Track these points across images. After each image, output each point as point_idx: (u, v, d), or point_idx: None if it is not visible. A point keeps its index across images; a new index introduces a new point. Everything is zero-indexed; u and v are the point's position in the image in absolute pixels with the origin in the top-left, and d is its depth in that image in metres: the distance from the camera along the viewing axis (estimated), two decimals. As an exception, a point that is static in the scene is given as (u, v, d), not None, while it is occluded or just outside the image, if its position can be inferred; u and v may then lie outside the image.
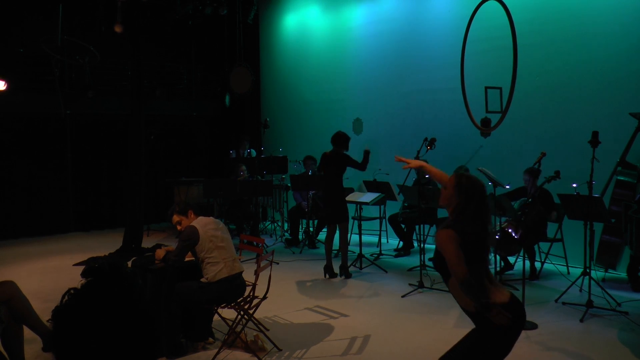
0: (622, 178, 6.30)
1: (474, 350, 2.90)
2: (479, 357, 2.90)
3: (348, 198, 7.07)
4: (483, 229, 2.93)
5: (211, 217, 4.68)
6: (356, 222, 7.47)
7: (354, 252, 7.33)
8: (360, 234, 7.37)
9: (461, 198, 2.93)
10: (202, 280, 4.41)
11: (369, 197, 7.06)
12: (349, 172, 6.98)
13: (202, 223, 4.52)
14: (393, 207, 8.40)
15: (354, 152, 9.49)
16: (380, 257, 7.80)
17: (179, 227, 4.64)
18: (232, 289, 4.46)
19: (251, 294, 4.58)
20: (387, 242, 8.74)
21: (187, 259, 4.65)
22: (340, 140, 6.87)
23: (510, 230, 6.27)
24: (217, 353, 4.34)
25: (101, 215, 10.44)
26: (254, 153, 9.89)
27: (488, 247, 3.04)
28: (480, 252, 2.92)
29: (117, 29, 7.88)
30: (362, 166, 6.94)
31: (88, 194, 10.36)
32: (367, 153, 7.00)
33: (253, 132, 10.94)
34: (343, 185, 6.92)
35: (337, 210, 6.77)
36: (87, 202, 10.34)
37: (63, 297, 1.40)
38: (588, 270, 5.46)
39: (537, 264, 6.68)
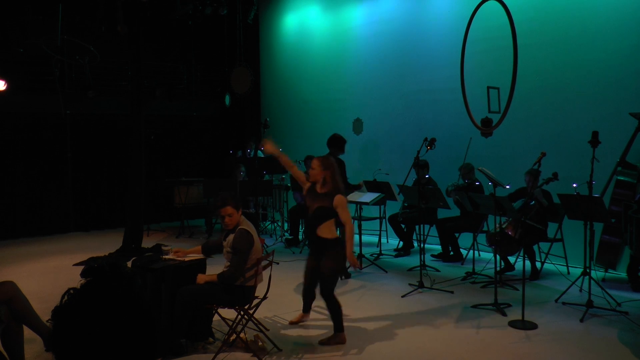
0: (622, 178, 6.30)
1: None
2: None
3: (348, 198, 7.04)
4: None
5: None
6: (356, 222, 7.45)
7: (354, 252, 7.31)
8: (360, 234, 7.36)
9: (327, 170, 4.64)
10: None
11: (368, 197, 7.05)
12: (349, 172, 6.96)
13: (250, 224, 4.53)
14: (393, 207, 8.39)
15: (355, 152, 9.55)
16: (380, 257, 7.80)
17: (227, 220, 4.43)
18: (254, 294, 4.51)
19: (251, 294, 4.58)
20: (387, 242, 8.74)
21: (188, 259, 4.65)
22: (335, 142, 6.83)
23: (509, 232, 6.27)
24: (217, 353, 4.34)
25: (101, 215, 10.44)
26: (260, 154, 9.90)
27: None
28: None
29: (120, 29, 7.87)
30: (345, 185, 6.89)
31: (88, 194, 10.35)
32: (357, 187, 7.10)
33: (253, 132, 10.94)
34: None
35: None
36: (87, 202, 10.33)
37: (63, 297, 1.40)
38: (588, 270, 5.46)
39: (537, 264, 6.68)
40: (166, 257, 4.64)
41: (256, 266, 4.37)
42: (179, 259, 4.59)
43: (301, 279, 6.76)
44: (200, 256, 4.72)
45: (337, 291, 6.37)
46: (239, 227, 4.45)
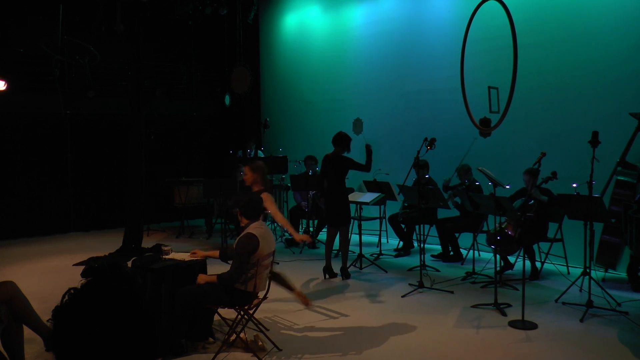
0: (622, 178, 6.31)
1: None
2: None
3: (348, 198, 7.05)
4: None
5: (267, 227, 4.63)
6: (356, 222, 7.46)
7: (354, 252, 7.32)
8: (360, 234, 7.37)
9: (257, 174, 5.54)
10: (236, 285, 4.33)
11: (369, 197, 7.04)
12: (349, 172, 6.95)
13: (265, 230, 4.50)
14: (393, 207, 8.40)
15: (355, 151, 9.52)
16: (380, 257, 7.80)
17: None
18: (254, 296, 4.49)
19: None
20: (387, 242, 8.74)
21: (189, 258, 4.65)
22: (342, 141, 6.79)
23: (509, 232, 6.28)
24: (217, 353, 4.34)
25: (101, 215, 10.44)
26: (260, 154, 9.90)
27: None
28: None
29: (118, 28, 7.87)
30: (366, 167, 6.75)
31: (88, 194, 10.35)
32: (368, 149, 6.83)
33: (253, 132, 10.94)
34: (345, 187, 6.88)
35: (340, 215, 6.70)
36: (87, 202, 10.34)
37: (63, 296, 1.40)
38: (588, 270, 5.46)
39: (537, 264, 6.68)
40: (178, 256, 4.67)
41: (255, 267, 4.35)
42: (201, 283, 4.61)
43: (301, 278, 6.80)
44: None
45: (337, 292, 6.41)
46: (247, 230, 4.46)
